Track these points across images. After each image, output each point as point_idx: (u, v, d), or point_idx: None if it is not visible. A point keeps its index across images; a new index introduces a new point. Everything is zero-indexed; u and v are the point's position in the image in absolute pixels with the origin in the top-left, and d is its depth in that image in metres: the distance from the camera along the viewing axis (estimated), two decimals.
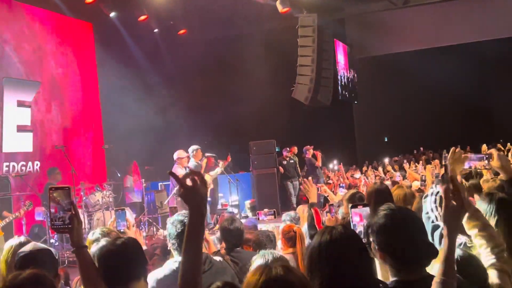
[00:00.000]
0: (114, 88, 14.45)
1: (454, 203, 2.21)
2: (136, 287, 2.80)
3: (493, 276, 2.63)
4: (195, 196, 2.21)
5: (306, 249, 2.49)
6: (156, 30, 15.86)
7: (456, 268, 2.21)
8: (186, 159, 10.97)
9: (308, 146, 15.30)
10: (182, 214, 3.75)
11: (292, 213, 7.00)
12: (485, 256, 2.69)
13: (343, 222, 4.03)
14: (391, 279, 2.39)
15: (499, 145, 16.65)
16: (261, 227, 6.48)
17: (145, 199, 12.55)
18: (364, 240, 2.51)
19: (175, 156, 11.11)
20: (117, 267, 2.80)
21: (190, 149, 11.26)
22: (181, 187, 2.23)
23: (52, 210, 2.66)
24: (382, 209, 2.46)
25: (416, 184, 8.77)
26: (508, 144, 16.33)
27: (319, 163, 15.18)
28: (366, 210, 2.83)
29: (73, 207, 2.69)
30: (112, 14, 14.06)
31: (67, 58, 14.08)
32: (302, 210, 6.47)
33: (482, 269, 2.62)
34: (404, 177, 11.69)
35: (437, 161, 7.69)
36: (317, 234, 2.41)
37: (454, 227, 2.20)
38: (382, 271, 2.72)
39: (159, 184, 14.13)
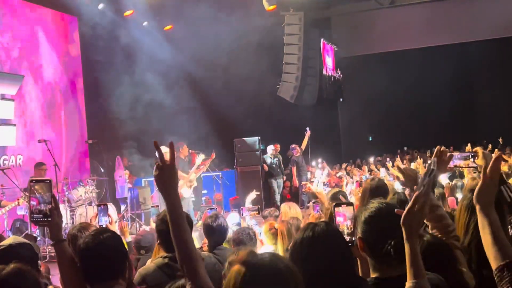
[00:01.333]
0: (99, 83, 14.35)
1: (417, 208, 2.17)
2: (114, 285, 2.68)
3: None
4: (166, 173, 2.25)
5: (290, 245, 2.49)
6: (145, 23, 15.78)
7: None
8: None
9: (295, 145, 15.29)
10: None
11: (272, 210, 7.04)
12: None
13: (326, 217, 4.02)
14: (371, 275, 2.40)
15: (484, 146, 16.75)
16: (245, 223, 6.46)
17: (128, 195, 12.52)
18: (347, 239, 2.53)
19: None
20: (97, 264, 2.68)
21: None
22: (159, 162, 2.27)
23: (33, 203, 2.63)
24: (372, 202, 2.49)
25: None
26: (489, 145, 16.47)
27: (303, 147, 15.25)
28: (350, 209, 2.84)
29: (54, 200, 2.67)
30: (100, 6, 14.02)
31: (52, 51, 13.97)
32: (288, 207, 6.47)
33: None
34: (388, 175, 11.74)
35: (420, 160, 7.72)
36: (300, 230, 2.42)
37: (414, 231, 2.17)
38: (362, 269, 2.73)
39: (143, 180, 14.09)
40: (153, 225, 5.48)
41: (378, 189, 4.40)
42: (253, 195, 10.95)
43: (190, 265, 2.21)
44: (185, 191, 10.69)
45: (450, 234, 2.86)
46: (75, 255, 3.14)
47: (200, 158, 11.21)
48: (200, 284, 2.17)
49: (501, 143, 19.27)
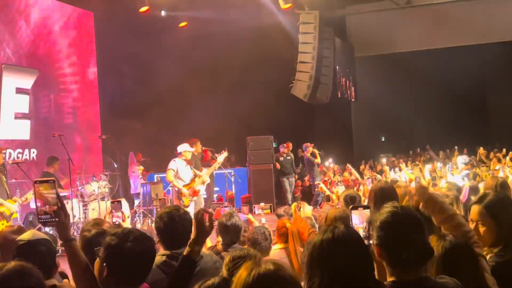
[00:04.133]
0: (113, 79, 14.42)
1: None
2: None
3: None
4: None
5: (306, 246, 2.48)
6: (163, 13, 15.77)
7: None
8: (189, 154, 10.80)
9: (308, 144, 15.23)
10: (168, 207, 3.79)
11: (287, 208, 7.00)
12: None
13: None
14: (388, 279, 2.40)
15: (498, 154, 16.60)
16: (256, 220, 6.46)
17: (141, 190, 12.58)
18: (365, 241, 2.52)
19: (181, 148, 10.74)
20: (135, 269, 2.62)
21: (185, 146, 10.95)
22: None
23: (38, 204, 2.61)
24: (386, 206, 2.47)
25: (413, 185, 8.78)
26: (504, 149, 16.34)
27: (318, 160, 15.12)
28: (367, 212, 2.83)
29: (59, 200, 2.64)
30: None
31: (67, 46, 14.05)
32: (296, 207, 6.47)
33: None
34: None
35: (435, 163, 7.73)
36: (319, 232, 2.41)
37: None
38: (378, 272, 2.72)
39: (155, 176, 14.14)
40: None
41: (385, 192, 4.34)
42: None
43: None
44: (199, 188, 10.71)
45: (470, 240, 2.83)
46: (85, 250, 3.13)
47: (222, 156, 11.15)
48: None
49: None
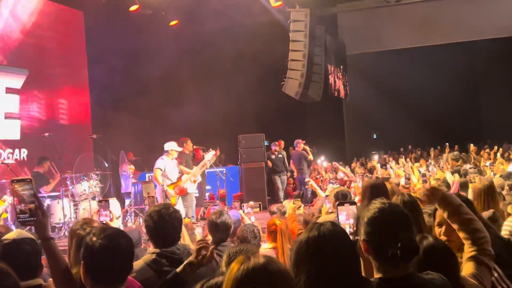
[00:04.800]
0: (104, 78, 14.36)
1: None
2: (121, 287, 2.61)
3: (468, 268, 2.68)
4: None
5: (293, 244, 2.47)
6: (152, 13, 15.75)
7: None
8: (176, 153, 10.78)
9: (300, 140, 15.19)
10: (158, 205, 3.79)
11: (280, 205, 6.99)
12: (467, 249, 2.75)
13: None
14: (375, 275, 2.40)
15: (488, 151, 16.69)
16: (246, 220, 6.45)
17: (132, 189, 12.54)
18: (351, 238, 2.52)
19: (168, 147, 10.70)
20: (112, 267, 2.52)
21: (172, 144, 10.84)
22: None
23: (16, 203, 2.60)
24: (374, 202, 2.47)
25: (402, 181, 8.83)
26: (495, 147, 16.42)
27: (311, 157, 15.08)
28: (353, 208, 2.83)
29: (37, 199, 2.63)
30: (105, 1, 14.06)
31: (57, 46, 13.99)
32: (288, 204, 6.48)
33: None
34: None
35: (423, 160, 7.76)
36: (305, 230, 2.40)
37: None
38: (365, 269, 2.72)
39: (147, 175, 14.11)
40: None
41: (375, 188, 4.35)
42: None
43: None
44: (190, 186, 10.69)
45: (482, 246, 2.79)
46: (76, 248, 3.12)
47: (209, 154, 11.11)
48: None
49: None
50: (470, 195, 5.53)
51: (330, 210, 6.03)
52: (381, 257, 2.36)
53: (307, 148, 14.87)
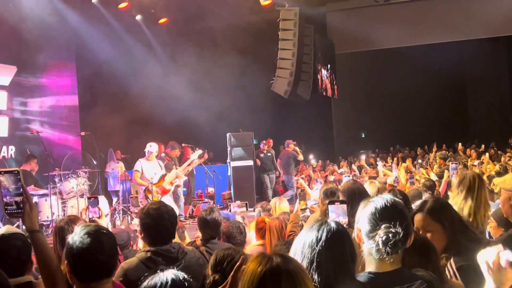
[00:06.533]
0: (92, 75, 14.30)
1: None
2: (107, 283, 2.61)
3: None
4: None
5: (292, 247, 2.42)
6: (138, 17, 15.75)
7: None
8: (153, 155, 10.76)
9: (290, 141, 15.14)
10: (154, 203, 3.77)
11: (264, 203, 7.01)
12: None
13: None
14: (365, 269, 2.41)
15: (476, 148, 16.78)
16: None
17: (120, 187, 12.51)
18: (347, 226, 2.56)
19: (151, 148, 10.68)
20: (96, 263, 2.53)
21: (152, 147, 10.76)
22: None
23: (3, 195, 2.61)
24: (373, 199, 2.47)
25: (390, 180, 8.87)
26: (482, 145, 16.53)
27: (301, 157, 15.10)
28: (343, 207, 2.86)
29: (24, 191, 2.63)
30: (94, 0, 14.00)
31: (45, 41, 13.88)
32: (275, 202, 6.51)
33: None
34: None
35: (410, 159, 7.80)
36: (309, 229, 2.34)
37: None
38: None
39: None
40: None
41: (352, 191, 4.31)
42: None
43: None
44: (169, 187, 10.72)
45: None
46: (61, 245, 3.10)
47: (196, 154, 11.16)
48: None
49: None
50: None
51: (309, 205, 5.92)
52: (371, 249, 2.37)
53: (297, 149, 14.89)
